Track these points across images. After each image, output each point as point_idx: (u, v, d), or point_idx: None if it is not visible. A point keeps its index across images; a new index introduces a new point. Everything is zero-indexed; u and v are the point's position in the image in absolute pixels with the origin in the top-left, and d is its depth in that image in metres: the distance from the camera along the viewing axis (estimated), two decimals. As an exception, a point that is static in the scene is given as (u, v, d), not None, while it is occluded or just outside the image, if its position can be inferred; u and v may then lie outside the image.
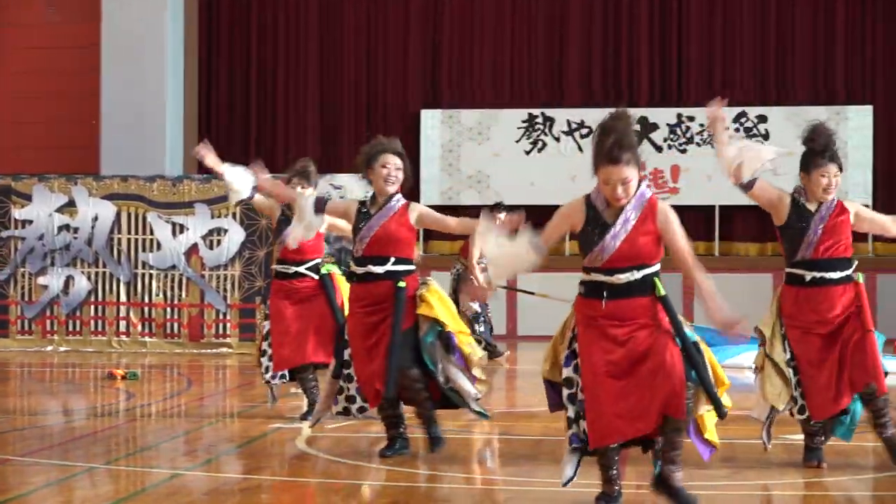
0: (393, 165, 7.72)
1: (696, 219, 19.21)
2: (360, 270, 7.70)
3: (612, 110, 6.00)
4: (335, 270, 9.46)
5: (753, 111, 19.01)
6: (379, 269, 7.64)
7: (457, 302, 15.27)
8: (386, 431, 7.79)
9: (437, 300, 7.71)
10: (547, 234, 6.07)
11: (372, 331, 7.65)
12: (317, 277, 9.35)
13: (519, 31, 19.85)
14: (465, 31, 19.91)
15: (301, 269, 9.38)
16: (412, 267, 7.78)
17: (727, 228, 19.06)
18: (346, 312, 8.94)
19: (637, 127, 6.07)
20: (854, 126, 18.72)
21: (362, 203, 7.79)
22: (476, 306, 14.74)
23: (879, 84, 18.87)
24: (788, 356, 7.30)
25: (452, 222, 7.88)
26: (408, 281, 7.67)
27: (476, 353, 7.74)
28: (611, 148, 5.81)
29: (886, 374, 7.30)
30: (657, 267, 5.98)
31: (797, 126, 18.52)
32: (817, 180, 7.22)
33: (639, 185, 5.93)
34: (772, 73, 19.34)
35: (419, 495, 6.87)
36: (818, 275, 7.17)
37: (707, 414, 6.05)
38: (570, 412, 6.07)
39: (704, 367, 5.92)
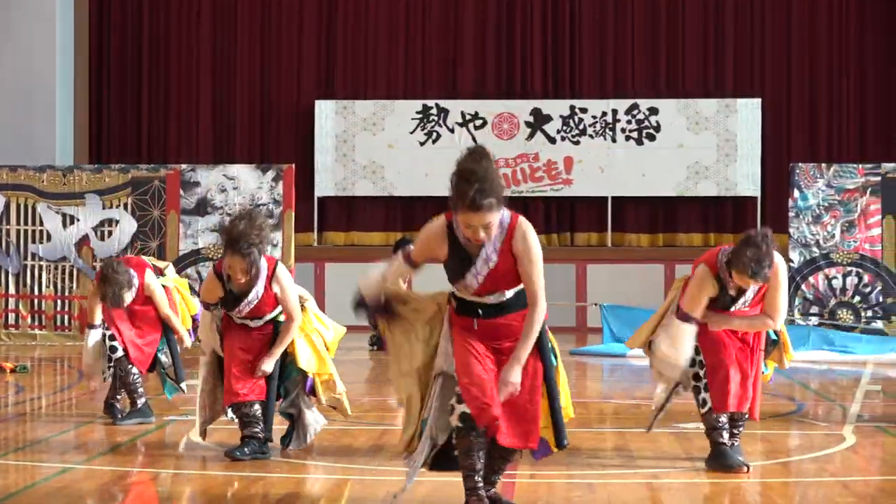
0: (238, 269, 7.39)
1: (588, 210, 19.41)
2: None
3: (470, 148, 5.77)
4: (172, 282, 9.20)
5: (645, 104, 19.20)
6: (258, 323, 7.68)
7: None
8: (241, 430, 7.69)
9: (307, 332, 7.78)
10: (416, 252, 5.88)
11: (249, 350, 7.65)
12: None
13: (413, 21, 19.86)
14: (359, 21, 19.87)
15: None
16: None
17: (619, 219, 19.25)
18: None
19: (495, 163, 5.75)
20: (743, 118, 19.00)
21: (226, 290, 7.59)
22: None
23: (768, 77, 19.18)
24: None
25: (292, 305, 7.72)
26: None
27: (333, 391, 7.77)
28: (473, 197, 5.54)
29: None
30: None
31: (687, 118, 18.87)
32: (736, 284, 7.12)
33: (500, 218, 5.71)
34: (663, 65, 19.56)
35: (310, 488, 6.88)
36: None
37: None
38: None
39: (557, 396, 5.79)
